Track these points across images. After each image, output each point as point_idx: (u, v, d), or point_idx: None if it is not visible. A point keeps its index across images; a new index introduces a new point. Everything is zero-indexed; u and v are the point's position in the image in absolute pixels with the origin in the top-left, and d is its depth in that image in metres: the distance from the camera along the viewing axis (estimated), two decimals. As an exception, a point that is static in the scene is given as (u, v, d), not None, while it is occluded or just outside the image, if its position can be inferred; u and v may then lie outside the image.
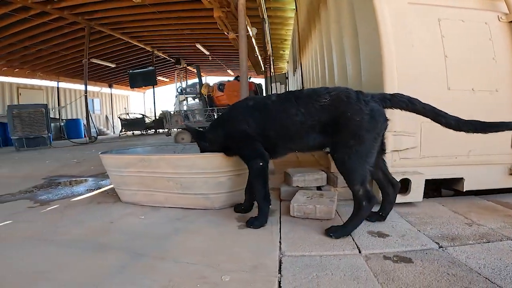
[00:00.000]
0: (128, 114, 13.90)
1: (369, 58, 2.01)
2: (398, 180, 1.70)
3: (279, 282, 1.03)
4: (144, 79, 12.27)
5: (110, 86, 15.67)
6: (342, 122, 1.41)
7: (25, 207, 2.19)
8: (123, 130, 13.18)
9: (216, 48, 12.02)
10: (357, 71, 2.28)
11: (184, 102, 7.32)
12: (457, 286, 0.96)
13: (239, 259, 1.20)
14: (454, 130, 1.42)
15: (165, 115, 7.22)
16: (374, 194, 1.43)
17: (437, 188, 2.20)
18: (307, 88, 1.52)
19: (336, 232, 1.40)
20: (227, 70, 16.21)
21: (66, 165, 4.47)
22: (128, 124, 13.17)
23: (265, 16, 6.54)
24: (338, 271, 1.09)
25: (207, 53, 11.77)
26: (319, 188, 2.04)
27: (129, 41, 10.65)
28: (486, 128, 1.40)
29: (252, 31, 5.34)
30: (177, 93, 7.46)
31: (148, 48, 11.79)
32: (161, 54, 12.64)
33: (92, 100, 14.99)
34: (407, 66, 1.85)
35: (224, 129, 1.76)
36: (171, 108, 9.11)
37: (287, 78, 12.46)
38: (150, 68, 12.18)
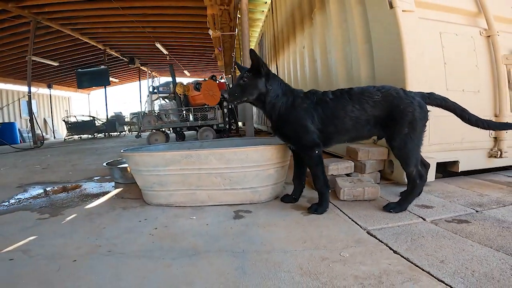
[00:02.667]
0: (75, 116, 12.67)
1: (388, 62, 2.35)
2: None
3: (389, 247, 1.24)
4: (94, 79, 11.34)
5: (49, 87, 14.06)
6: (396, 115, 1.65)
7: (33, 219, 1.94)
8: (69, 134, 12.00)
9: (176, 48, 11.72)
10: (369, 71, 2.62)
11: (157, 102, 7.04)
12: (517, 233, 1.29)
13: (337, 239, 1.36)
14: (472, 126, 1.75)
15: (138, 116, 6.85)
16: (424, 172, 1.72)
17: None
18: (356, 87, 1.71)
19: (395, 208, 1.66)
20: (184, 71, 15.84)
21: (33, 172, 4.05)
22: (75, 127, 12.04)
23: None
24: (425, 233, 1.35)
25: (166, 52, 11.40)
26: (348, 175, 2.30)
27: (79, 38, 9.79)
28: (498, 126, 1.87)
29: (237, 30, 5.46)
30: (149, 93, 7.14)
31: (100, 46, 10.96)
32: (113, 53, 11.83)
33: (27, 101, 13.23)
34: (418, 71, 2.22)
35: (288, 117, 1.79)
36: (121, 109, 8.63)
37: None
38: (102, 67, 11.32)
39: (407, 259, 1.11)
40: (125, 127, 14.30)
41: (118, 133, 13.24)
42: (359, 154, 2.29)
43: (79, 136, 12.45)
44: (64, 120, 12.18)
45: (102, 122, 12.57)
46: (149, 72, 7.15)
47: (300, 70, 4.76)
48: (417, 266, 1.06)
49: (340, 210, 1.76)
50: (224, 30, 5.03)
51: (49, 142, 11.95)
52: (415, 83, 2.17)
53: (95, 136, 12.58)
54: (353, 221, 1.58)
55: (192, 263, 1.22)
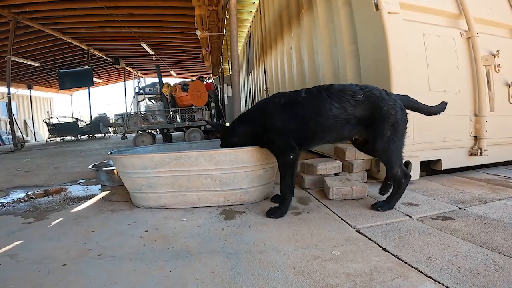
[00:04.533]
0: (57, 118, 12.30)
1: (373, 63, 2.40)
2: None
3: (379, 245, 1.27)
4: (77, 80, 11.00)
5: (30, 88, 13.59)
6: (379, 117, 1.63)
7: (18, 223, 1.88)
8: (51, 136, 11.65)
9: (163, 48, 11.56)
10: (355, 72, 2.67)
11: (142, 103, 6.92)
12: (499, 228, 1.34)
13: (328, 238, 1.38)
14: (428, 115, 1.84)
15: (123, 117, 6.72)
16: (408, 171, 1.76)
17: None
18: (337, 84, 1.78)
19: (383, 206, 1.70)
20: (170, 71, 15.64)
21: (14, 175, 3.93)
22: (58, 129, 11.70)
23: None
24: (412, 231, 1.39)
25: (152, 53, 11.23)
26: (336, 174, 2.34)
27: (62, 37, 9.50)
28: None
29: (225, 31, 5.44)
30: (135, 93, 7.01)
31: (83, 46, 10.67)
32: (97, 53, 11.55)
33: (6, 103, 12.75)
34: (403, 71, 2.29)
35: (259, 124, 1.86)
36: (106, 111, 8.45)
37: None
38: (86, 67, 11.02)
39: (396, 256, 1.14)
40: (110, 129, 13.99)
41: (103, 135, 12.95)
42: (346, 153, 2.33)
43: (61, 138, 12.11)
44: (45, 122, 11.80)
45: (85, 124, 12.26)
46: (135, 72, 7.00)
47: (288, 70, 4.80)
48: (406, 263, 1.09)
49: (330, 209, 1.79)
50: (212, 31, 5.00)
51: (30, 144, 11.58)
52: (400, 84, 2.23)
53: (78, 138, 12.26)
54: (343, 220, 1.61)
55: (185, 265, 1.21)
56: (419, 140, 2.36)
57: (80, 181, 3.29)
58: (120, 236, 1.57)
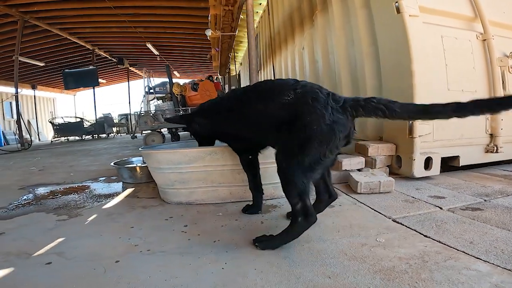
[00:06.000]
0: (62, 117, 12.34)
1: (394, 64, 2.50)
2: (423, 159, 2.24)
3: (419, 232, 1.36)
4: (82, 80, 11.08)
5: (34, 88, 13.63)
6: (297, 125, 1.24)
7: (53, 220, 1.88)
8: (56, 135, 11.69)
9: (168, 48, 11.66)
10: (375, 72, 2.77)
11: (152, 102, 7.00)
12: (528, 217, 1.45)
13: (367, 227, 1.47)
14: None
15: (132, 116, 6.78)
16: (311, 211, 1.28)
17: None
18: (270, 80, 1.58)
19: (261, 243, 1.34)
20: (174, 72, 15.71)
21: (30, 174, 3.99)
22: (62, 129, 11.74)
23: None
24: (446, 220, 1.49)
25: (156, 53, 11.30)
26: (359, 170, 2.43)
27: (68, 37, 9.58)
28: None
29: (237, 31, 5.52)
30: (145, 93, 7.09)
31: (88, 46, 10.75)
32: (102, 53, 11.62)
33: (10, 103, 12.82)
34: (424, 72, 2.38)
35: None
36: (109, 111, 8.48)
37: (238, 80, 12.81)
38: (91, 67, 11.09)
39: (439, 242, 1.24)
40: (114, 129, 14.05)
41: (107, 135, 13.00)
42: (369, 150, 2.43)
43: (66, 138, 12.15)
44: (50, 122, 11.85)
45: (90, 124, 12.32)
46: (146, 72, 7.03)
47: (300, 70, 4.90)
48: (451, 247, 1.18)
49: (360, 202, 1.88)
50: (224, 31, 5.06)
51: (35, 144, 11.60)
52: (421, 84, 2.33)
53: (83, 138, 12.30)
54: (376, 211, 1.70)
55: (237, 257, 1.24)
56: (439, 137, 2.46)
57: (100, 179, 3.34)
58: (161, 232, 1.59)
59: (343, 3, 3.30)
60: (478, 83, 2.63)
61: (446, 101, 1.93)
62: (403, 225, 1.47)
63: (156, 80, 8.73)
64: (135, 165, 3.32)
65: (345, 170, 2.36)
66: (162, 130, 6.75)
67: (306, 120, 1.22)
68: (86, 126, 12.15)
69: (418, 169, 2.30)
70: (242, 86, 11.86)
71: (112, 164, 3.32)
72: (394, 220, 1.54)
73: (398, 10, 2.38)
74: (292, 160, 1.25)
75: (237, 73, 12.86)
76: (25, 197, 2.58)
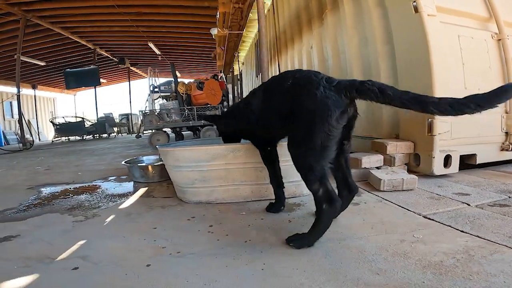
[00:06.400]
0: (64, 117, 12.27)
1: (412, 63, 2.51)
2: (443, 156, 2.25)
3: (455, 228, 1.37)
4: (83, 79, 11.02)
5: (34, 87, 13.55)
6: (296, 110, 1.30)
7: (69, 221, 1.80)
8: (57, 135, 11.63)
9: (170, 48, 11.64)
10: (390, 71, 2.79)
11: (156, 101, 6.99)
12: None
13: (400, 224, 1.47)
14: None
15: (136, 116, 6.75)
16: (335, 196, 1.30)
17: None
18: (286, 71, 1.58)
19: (294, 241, 1.32)
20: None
21: (36, 173, 3.92)
22: (63, 128, 11.67)
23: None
24: (478, 216, 1.50)
25: (158, 52, 11.27)
26: (377, 168, 2.44)
27: (69, 36, 9.54)
28: None
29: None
30: (150, 92, 7.07)
31: (89, 45, 10.70)
32: (103, 52, 11.57)
33: (11, 103, 12.73)
34: (441, 71, 2.39)
35: None
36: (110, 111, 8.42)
37: (239, 79, 12.79)
38: (92, 67, 11.03)
39: (479, 237, 1.25)
40: (115, 129, 13.99)
41: (108, 135, 12.94)
42: (388, 148, 2.44)
43: (67, 138, 12.09)
44: (51, 121, 11.78)
45: (91, 124, 12.26)
46: (151, 70, 6.97)
47: (308, 68, 4.90)
48: (492, 241, 1.19)
49: (386, 200, 1.89)
50: (232, 29, 5.03)
51: (35, 144, 11.54)
52: (440, 83, 2.34)
53: (84, 138, 12.24)
54: (404, 208, 1.71)
55: (273, 257, 1.20)
56: (456, 135, 2.48)
57: (110, 178, 3.29)
58: (187, 232, 1.53)
59: (355, 2, 3.31)
60: (494, 82, 2.64)
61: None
62: (435, 221, 1.47)
63: (158, 80, 8.72)
64: (146, 164, 3.30)
65: (365, 168, 2.37)
66: (166, 129, 6.73)
67: (301, 102, 1.27)
68: (87, 126, 12.08)
69: (438, 167, 2.31)
70: (243, 86, 11.87)
71: (123, 163, 3.25)
72: (425, 217, 1.55)
73: (416, 9, 2.39)
74: (302, 146, 1.27)
75: (239, 73, 12.84)
76: (34, 197, 2.52)
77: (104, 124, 12.30)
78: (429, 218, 1.52)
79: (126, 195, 2.43)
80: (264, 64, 3.51)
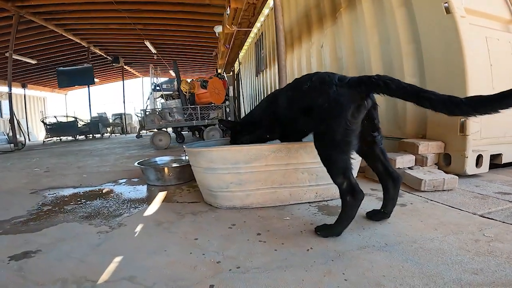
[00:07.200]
0: (56, 117, 11.88)
1: (443, 64, 2.52)
2: (475, 156, 2.27)
3: (517, 228, 1.37)
4: (77, 78, 10.70)
5: (24, 86, 13.07)
6: (314, 109, 1.45)
7: (93, 233, 1.60)
8: (49, 135, 11.24)
9: (167, 47, 11.42)
10: (416, 70, 2.80)
11: (158, 100, 6.84)
12: None
13: (462, 224, 1.45)
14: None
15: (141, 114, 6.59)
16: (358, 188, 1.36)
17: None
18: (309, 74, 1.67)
19: (322, 231, 1.44)
20: (170, 71, 15.43)
21: (36, 175, 3.64)
22: (55, 128, 11.30)
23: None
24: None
25: (154, 51, 11.06)
26: (410, 168, 2.44)
27: (63, 34, 9.22)
28: None
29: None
30: (152, 90, 6.90)
31: (83, 43, 10.39)
32: (97, 51, 11.26)
33: (0, 102, 12.25)
34: (474, 72, 2.41)
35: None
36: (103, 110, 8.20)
37: (235, 79, 12.68)
38: (86, 65, 10.73)
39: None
40: (108, 129, 13.66)
41: (101, 135, 12.63)
42: (420, 148, 2.44)
43: (58, 138, 11.72)
44: (42, 121, 11.38)
45: (84, 123, 11.92)
46: (153, 69, 6.81)
47: (318, 67, 4.89)
48: None
49: (432, 200, 1.87)
50: (242, 26, 4.91)
51: (26, 144, 11.14)
52: (473, 82, 2.36)
53: (76, 138, 11.90)
54: (455, 208, 1.70)
55: (348, 264, 1.13)
56: (485, 135, 2.51)
57: (120, 181, 3.07)
58: (235, 243, 1.39)
59: (375, 1, 3.31)
60: (517, 83, 2.70)
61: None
62: (496, 220, 1.47)
63: (158, 79, 8.55)
64: (162, 166, 3.16)
65: (398, 168, 2.36)
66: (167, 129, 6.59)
67: (317, 101, 1.42)
68: (80, 126, 11.74)
69: (471, 167, 2.33)
70: (242, 86, 11.77)
71: (136, 164, 3.01)
72: (482, 216, 1.55)
73: (447, 10, 2.40)
74: (324, 141, 1.41)
75: (236, 73, 12.75)
76: (41, 202, 2.29)
77: (97, 124, 11.97)
78: (488, 218, 1.52)
79: (145, 200, 2.24)
80: (281, 62, 3.46)
